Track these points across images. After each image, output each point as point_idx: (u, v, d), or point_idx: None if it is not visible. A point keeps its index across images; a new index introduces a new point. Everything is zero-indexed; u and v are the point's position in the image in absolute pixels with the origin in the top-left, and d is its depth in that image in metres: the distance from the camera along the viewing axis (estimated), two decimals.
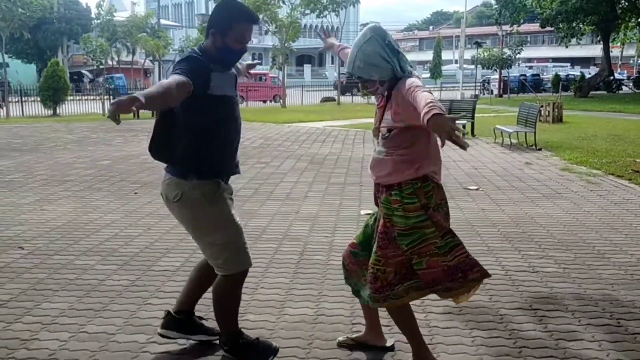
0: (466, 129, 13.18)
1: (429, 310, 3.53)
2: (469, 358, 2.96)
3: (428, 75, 52.03)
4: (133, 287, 3.93)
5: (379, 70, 2.59)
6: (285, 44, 27.48)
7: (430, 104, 2.20)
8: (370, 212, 5.81)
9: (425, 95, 2.32)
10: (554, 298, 3.74)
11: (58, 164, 9.48)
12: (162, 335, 3.05)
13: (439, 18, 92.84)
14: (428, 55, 67.88)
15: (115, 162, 9.70)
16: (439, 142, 2.24)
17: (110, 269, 4.28)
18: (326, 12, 28.30)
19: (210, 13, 2.91)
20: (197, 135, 2.70)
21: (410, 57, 62.11)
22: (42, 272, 4.22)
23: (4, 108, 22.08)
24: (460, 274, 2.64)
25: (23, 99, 22.91)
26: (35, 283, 4.00)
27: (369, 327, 3.04)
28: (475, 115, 13.70)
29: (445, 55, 63.73)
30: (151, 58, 38.13)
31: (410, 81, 2.51)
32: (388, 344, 3.04)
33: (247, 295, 3.72)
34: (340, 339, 3.09)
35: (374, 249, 2.70)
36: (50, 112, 21.93)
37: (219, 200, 2.76)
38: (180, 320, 3.02)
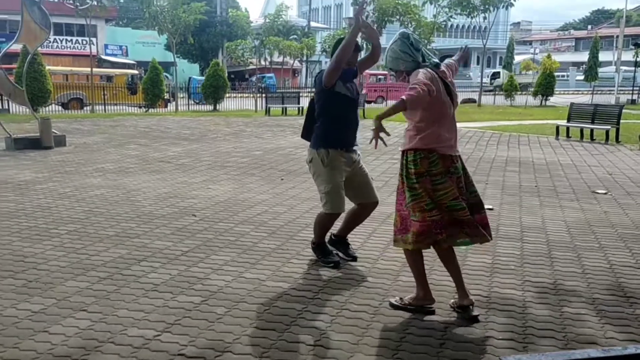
0: (610, 135, 12.82)
1: (527, 289, 4.02)
2: (556, 333, 3.43)
3: (582, 77, 48.84)
4: (279, 250, 4.87)
5: (404, 63, 3.43)
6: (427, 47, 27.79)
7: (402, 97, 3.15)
8: (491, 207, 6.27)
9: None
10: None
11: (219, 152, 10.98)
12: (329, 244, 4.60)
13: (600, 17, 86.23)
14: (585, 56, 63.48)
15: (266, 152, 10.97)
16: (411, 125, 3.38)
17: (261, 235, 5.28)
18: (476, 13, 28.05)
19: None
20: (324, 119, 4.24)
21: (564, 57, 58.35)
22: (210, 234, 5.32)
23: (173, 103, 25.06)
24: (441, 230, 3.36)
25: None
26: (206, 241, 5.09)
27: (456, 287, 3.62)
28: (621, 121, 13.23)
29: (605, 56, 59.12)
30: (299, 59, 40.35)
31: (415, 73, 3.33)
32: (474, 312, 3.50)
33: (369, 264, 4.47)
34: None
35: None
36: (211, 107, 24.44)
37: (330, 165, 4.21)
38: (336, 241, 4.62)
